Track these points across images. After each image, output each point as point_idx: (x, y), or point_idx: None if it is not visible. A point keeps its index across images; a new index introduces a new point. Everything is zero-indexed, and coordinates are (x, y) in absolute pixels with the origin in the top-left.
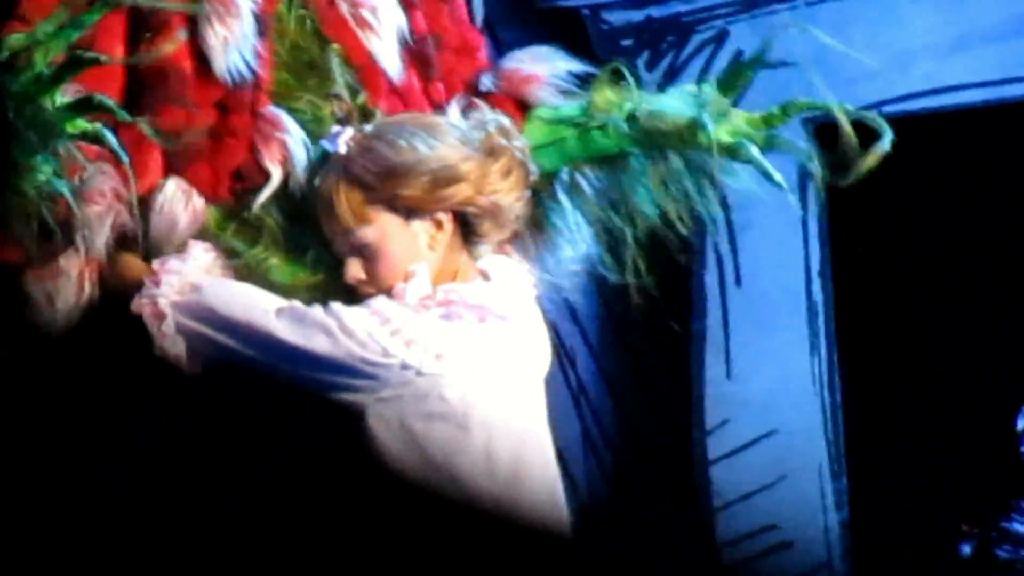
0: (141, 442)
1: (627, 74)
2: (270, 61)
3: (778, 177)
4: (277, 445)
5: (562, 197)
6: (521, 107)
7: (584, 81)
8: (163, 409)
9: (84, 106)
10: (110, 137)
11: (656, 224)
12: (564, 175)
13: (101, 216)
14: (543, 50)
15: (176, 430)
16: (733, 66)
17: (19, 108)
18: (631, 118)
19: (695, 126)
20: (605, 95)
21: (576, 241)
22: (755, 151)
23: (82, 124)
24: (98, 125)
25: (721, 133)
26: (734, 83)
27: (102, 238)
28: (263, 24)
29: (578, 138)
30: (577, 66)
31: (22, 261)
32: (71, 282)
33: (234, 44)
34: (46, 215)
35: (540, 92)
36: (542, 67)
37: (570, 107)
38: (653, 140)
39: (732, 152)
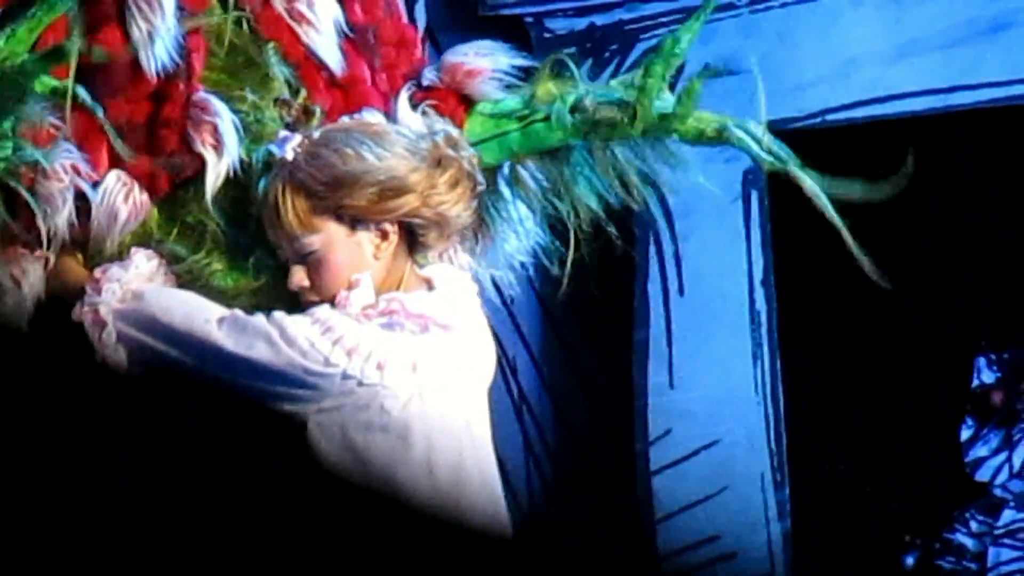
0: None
1: (571, 66)
2: (201, 53)
3: (770, 155)
4: (220, 455)
5: (504, 190)
6: (464, 101)
7: (527, 75)
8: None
9: (53, 57)
10: (81, 92)
11: (599, 215)
12: (506, 168)
13: (63, 192)
14: (486, 44)
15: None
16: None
17: None
18: (576, 109)
19: (667, 117)
20: (547, 87)
21: (519, 233)
22: (740, 132)
23: (51, 82)
24: (67, 82)
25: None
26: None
27: (64, 215)
28: (187, 12)
29: (521, 132)
30: (520, 60)
31: None
32: (36, 263)
33: (158, 38)
34: (21, 190)
35: (483, 86)
36: (485, 61)
37: (512, 100)
38: (599, 130)
39: (715, 137)
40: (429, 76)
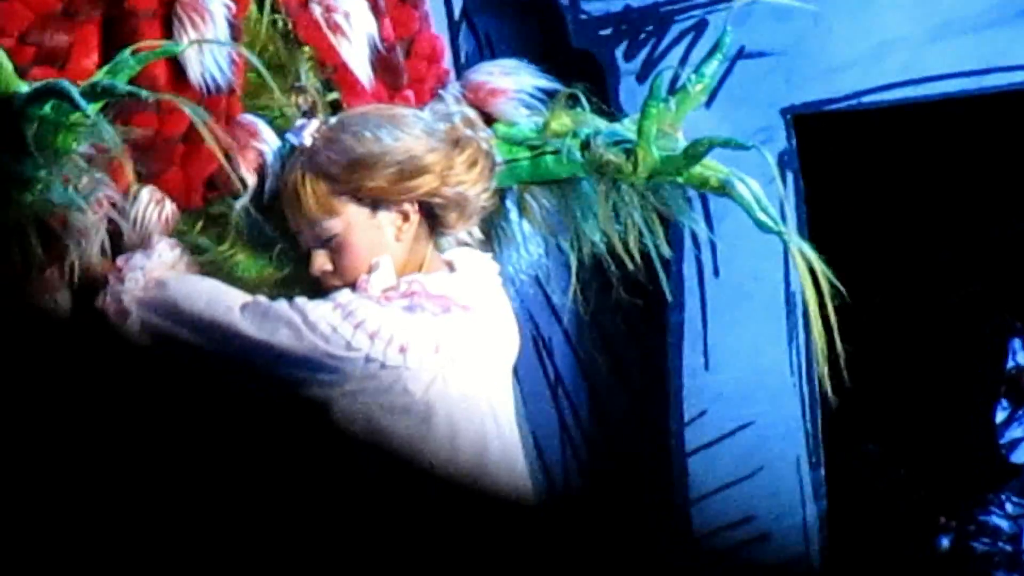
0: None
1: (583, 100)
2: (242, 67)
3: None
4: (243, 436)
5: (511, 211)
6: (485, 119)
7: (550, 97)
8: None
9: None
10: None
11: (601, 252)
12: (514, 191)
13: (97, 224)
14: (511, 63)
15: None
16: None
17: (39, 132)
18: (585, 147)
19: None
20: (561, 120)
21: (522, 254)
22: (743, 188)
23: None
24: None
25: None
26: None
27: (96, 246)
28: (236, 30)
29: (531, 161)
30: (543, 82)
31: (18, 275)
32: (67, 294)
33: (209, 51)
34: (56, 227)
35: (504, 106)
36: (508, 81)
37: (526, 128)
38: (604, 171)
39: (720, 189)
40: (452, 92)
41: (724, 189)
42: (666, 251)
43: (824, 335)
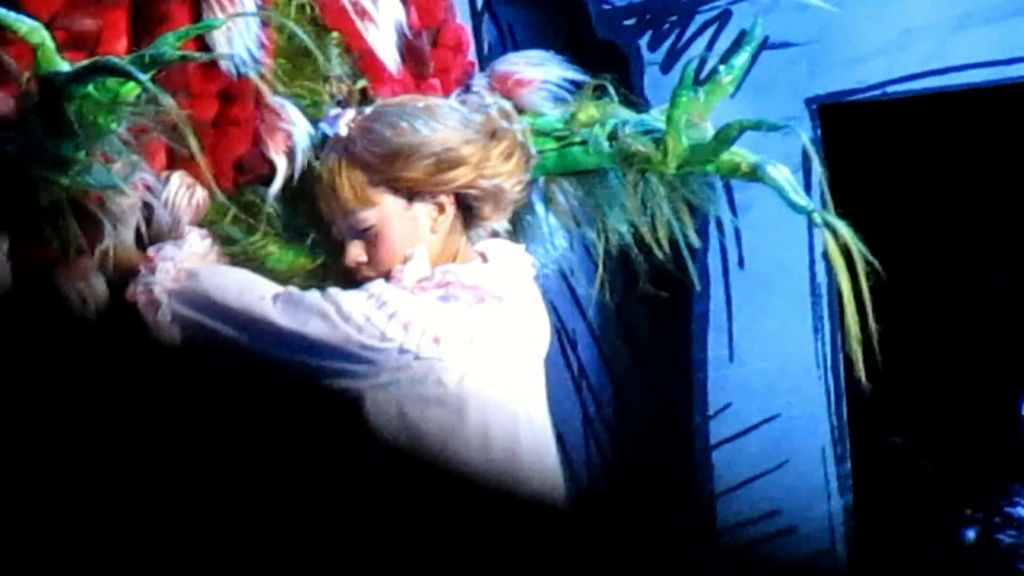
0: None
1: (611, 91)
2: (271, 50)
3: (802, 200)
4: (274, 427)
5: (537, 205)
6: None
7: (577, 87)
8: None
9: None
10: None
11: (628, 243)
12: (540, 183)
13: (132, 208)
14: (537, 54)
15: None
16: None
17: (80, 111)
18: (612, 137)
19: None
20: (588, 110)
21: (548, 248)
22: (774, 172)
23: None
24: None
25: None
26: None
27: (132, 230)
28: (263, 6)
29: (558, 152)
30: (571, 73)
31: (53, 260)
32: (102, 279)
33: (237, 34)
34: (94, 209)
35: (531, 96)
36: (535, 72)
37: (553, 119)
38: (632, 161)
39: (750, 174)
40: (479, 83)
41: (755, 174)
42: (695, 240)
43: (857, 317)
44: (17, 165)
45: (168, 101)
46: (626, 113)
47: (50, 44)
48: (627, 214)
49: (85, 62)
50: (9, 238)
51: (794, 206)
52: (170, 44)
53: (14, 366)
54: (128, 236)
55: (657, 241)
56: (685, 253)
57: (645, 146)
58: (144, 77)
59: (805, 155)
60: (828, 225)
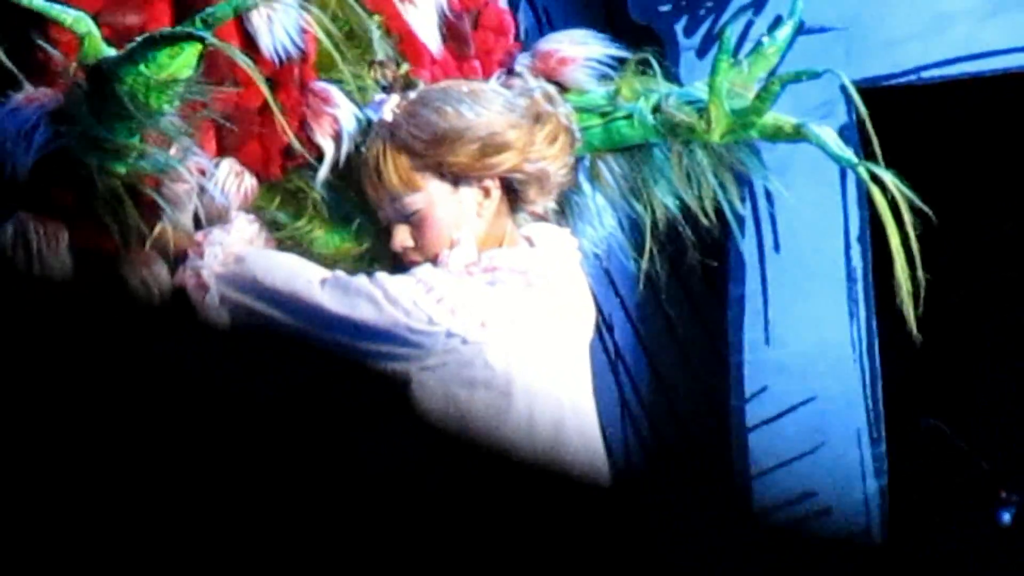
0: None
1: (655, 64)
2: (314, 35)
3: (847, 154)
4: (322, 409)
5: (584, 183)
6: (556, 89)
7: (621, 64)
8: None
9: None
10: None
11: (675, 215)
12: (586, 162)
13: (189, 193)
14: (580, 33)
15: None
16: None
17: (131, 92)
18: (656, 109)
19: (743, 112)
20: (632, 85)
21: (596, 226)
22: (817, 130)
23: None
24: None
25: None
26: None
27: (189, 215)
28: None
29: (603, 128)
30: (614, 50)
31: (115, 249)
32: (164, 265)
33: (278, 21)
34: (152, 194)
35: (575, 74)
36: (579, 49)
37: (597, 95)
38: (677, 132)
39: (794, 133)
40: (522, 62)
41: (800, 133)
42: (740, 209)
43: (907, 268)
44: (72, 157)
45: (233, 51)
46: (670, 86)
47: (96, 32)
48: (673, 187)
49: (136, 40)
50: (69, 230)
51: (840, 159)
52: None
53: (82, 357)
54: (186, 221)
55: (704, 211)
56: (732, 221)
57: (689, 116)
58: (206, 34)
59: (842, 132)
60: (874, 177)
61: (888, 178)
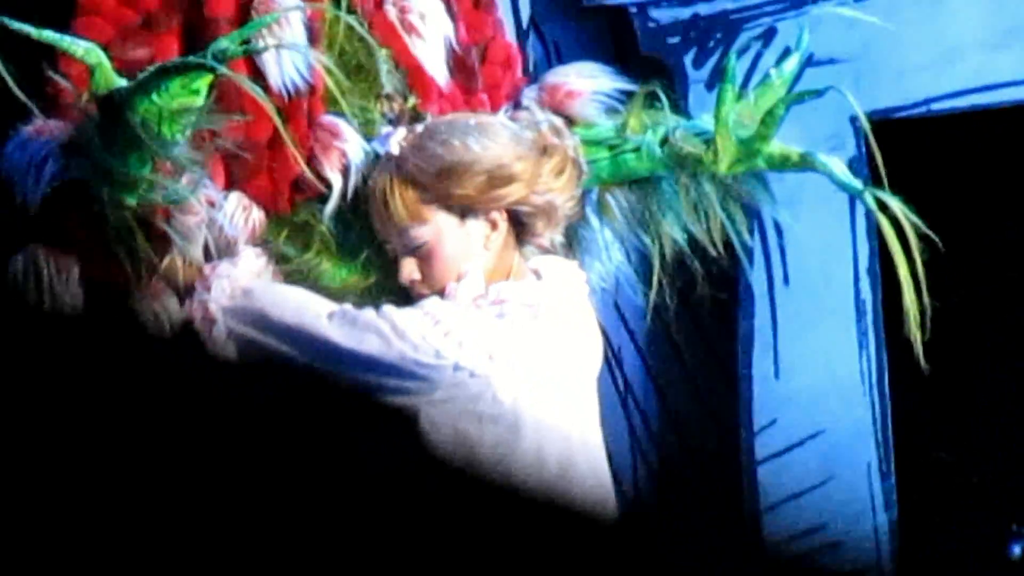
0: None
1: (663, 97)
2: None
3: (854, 182)
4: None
5: (591, 217)
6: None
7: (628, 97)
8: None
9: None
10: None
11: (683, 248)
12: (594, 195)
13: (199, 225)
14: (588, 66)
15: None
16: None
17: (144, 122)
18: (664, 142)
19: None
20: (639, 117)
21: (604, 260)
22: (824, 158)
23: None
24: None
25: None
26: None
27: (200, 247)
28: (313, 32)
29: (611, 160)
30: (622, 84)
31: (125, 281)
32: (174, 298)
33: (287, 55)
34: (163, 226)
35: (582, 107)
36: (586, 83)
37: (604, 128)
38: (684, 164)
39: (801, 162)
40: (529, 95)
41: (806, 161)
42: (748, 241)
43: (915, 297)
44: (83, 189)
45: (245, 81)
46: (677, 119)
47: (106, 63)
48: (681, 219)
49: (147, 70)
50: (80, 262)
51: (847, 187)
52: (231, 41)
53: (94, 389)
54: (197, 253)
55: (713, 243)
56: (741, 253)
57: (696, 147)
58: (215, 63)
59: (851, 165)
60: (880, 203)
61: (895, 204)
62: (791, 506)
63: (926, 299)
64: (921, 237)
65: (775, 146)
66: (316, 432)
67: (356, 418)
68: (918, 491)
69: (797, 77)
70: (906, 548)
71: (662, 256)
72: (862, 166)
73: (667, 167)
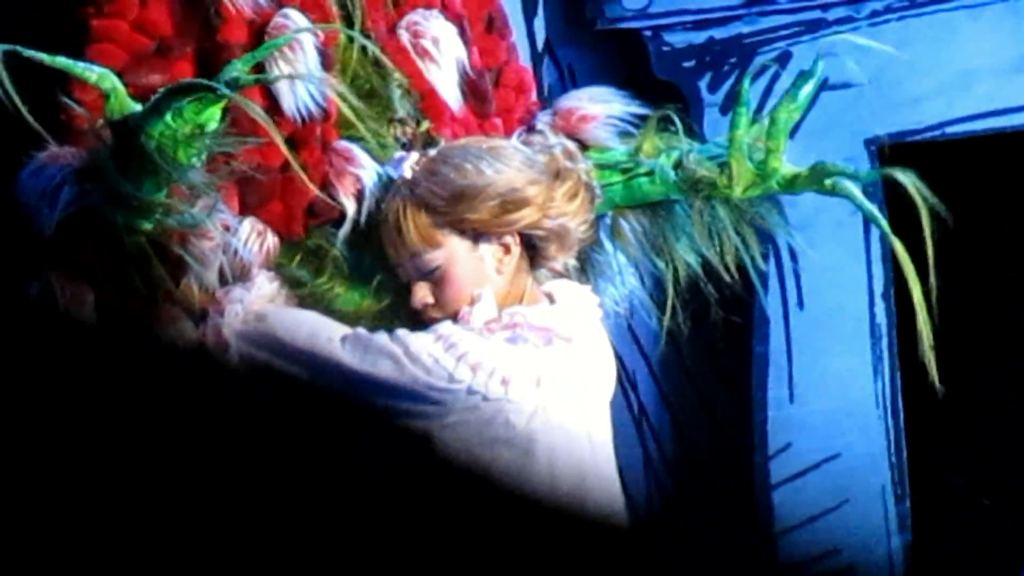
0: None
1: (676, 121)
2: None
3: (875, 212)
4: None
5: (605, 241)
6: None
7: (642, 121)
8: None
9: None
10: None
11: (697, 272)
12: (607, 219)
13: (215, 249)
14: (601, 91)
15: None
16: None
17: (159, 147)
18: (678, 165)
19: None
20: (653, 141)
21: (617, 284)
22: (851, 186)
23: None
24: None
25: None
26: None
27: (215, 272)
28: (326, 57)
29: (624, 184)
30: (635, 108)
31: (141, 307)
32: (189, 324)
33: (300, 81)
34: (179, 251)
35: (596, 131)
36: (599, 107)
37: (618, 152)
38: (698, 188)
39: (812, 179)
40: (543, 120)
41: (818, 177)
42: (762, 265)
43: (929, 321)
44: (98, 215)
45: (254, 109)
46: (691, 143)
47: (121, 88)
48: (695, 243)
49: (159, 91)
50: (94, 289)
51: (867, 213)
52: (239, 69)
53: (112, 412)
54: (212, 277)
55: (726, 267)
56: (754, 278)
57: (710, 171)
58: (226, 90)
59: (866, 188)
60: (892, 196)
61: (908, 180)
62: (806, 530)
63: (937, 318)
64: (937, 265)
65: (787, 166)
66: (331, 453)
67: (369, 441)
68: (932, 515)
69: (812, 102)
70: (920, 571)
71: (676, 281)
72: (877, 189)
73: (681, 191)
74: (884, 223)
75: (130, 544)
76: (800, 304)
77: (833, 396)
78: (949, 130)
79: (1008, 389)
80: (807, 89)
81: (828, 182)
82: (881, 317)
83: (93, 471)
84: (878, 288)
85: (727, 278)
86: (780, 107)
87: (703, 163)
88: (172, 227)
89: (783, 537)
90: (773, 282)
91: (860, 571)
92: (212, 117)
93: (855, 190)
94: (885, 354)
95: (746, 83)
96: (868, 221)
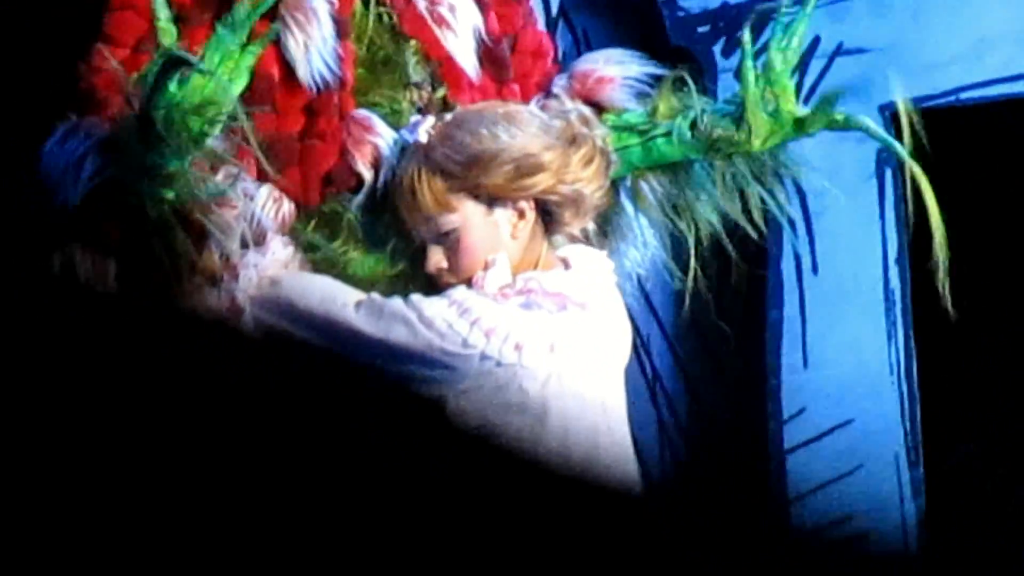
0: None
1: (690, 82)
2: (351, 61)
3: (897, 146)
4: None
5: (626, 204)
6: (593, 108)
7: (658, 82)
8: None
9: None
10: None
11: (719, 232)
12: (627, 181)
13: (237, 218)
14: (617, 52)
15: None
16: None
17: (168, 117)
18: (694, 125)
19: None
20: (670, 102)
21: (639, 247)
22: (863, 118)
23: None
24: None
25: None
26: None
27: (237, 241)
28: (341, 26)
29: (642, 146)
30: (651, 68)
31: (164, 280)
32: (215, 292)
33: (315, 49)
34: (202, 220)
35: (613, 94)
36: (616, 69)
37: (635, 114)
38: (717, 146)
39: (825, 116)
40: (559, 84)
41: (848, 123)
42: (791, 214)
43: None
44: (121, 186)
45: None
46: (706, 102)
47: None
48: (716, 202)
49: (153, 61)
50: (118, 261)
51: (887, 145)
52: (244, 15)
53: (133, 384)
54: (233, 246)
55: (752, 223)
56: (785, 226)
57: (727, 129)
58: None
59: (879, 162)
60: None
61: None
62: (819, 495)
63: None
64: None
65: (799, 109)
66: (343, 421)
67: (382, 407)
68: (946, 480)
69: (820, 74)
70: (934, 538)
71: (697, 241)
72: (891, 156)
73: (698, 151)
74: (900, 148)
75: (151, 502)
76: (815, 270)
77: (847, 362)
78: (964, 96)
79: (1022, 353)
80: (800, 27)
81: (839, 116)
82: (895, 283)
83: (114, 444)
84: (892, 254)
85: (753, 234)
86: (772, 50)
87: (719, 122)
88: (196, 197)
89: (797, 502)
90: (787, 248)
91: (873, 536)
92: (221, 88)
93: (867, 120)
94: (899, 320)
95: (746, 34)
96: (882, 186)
